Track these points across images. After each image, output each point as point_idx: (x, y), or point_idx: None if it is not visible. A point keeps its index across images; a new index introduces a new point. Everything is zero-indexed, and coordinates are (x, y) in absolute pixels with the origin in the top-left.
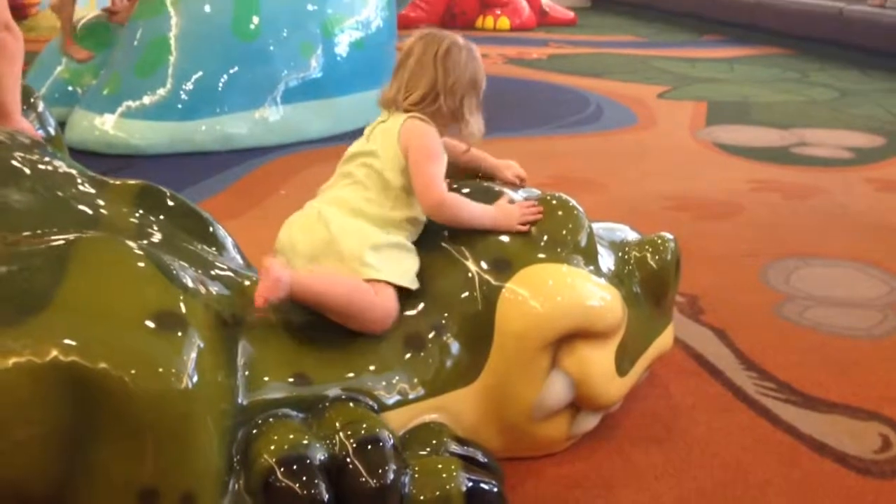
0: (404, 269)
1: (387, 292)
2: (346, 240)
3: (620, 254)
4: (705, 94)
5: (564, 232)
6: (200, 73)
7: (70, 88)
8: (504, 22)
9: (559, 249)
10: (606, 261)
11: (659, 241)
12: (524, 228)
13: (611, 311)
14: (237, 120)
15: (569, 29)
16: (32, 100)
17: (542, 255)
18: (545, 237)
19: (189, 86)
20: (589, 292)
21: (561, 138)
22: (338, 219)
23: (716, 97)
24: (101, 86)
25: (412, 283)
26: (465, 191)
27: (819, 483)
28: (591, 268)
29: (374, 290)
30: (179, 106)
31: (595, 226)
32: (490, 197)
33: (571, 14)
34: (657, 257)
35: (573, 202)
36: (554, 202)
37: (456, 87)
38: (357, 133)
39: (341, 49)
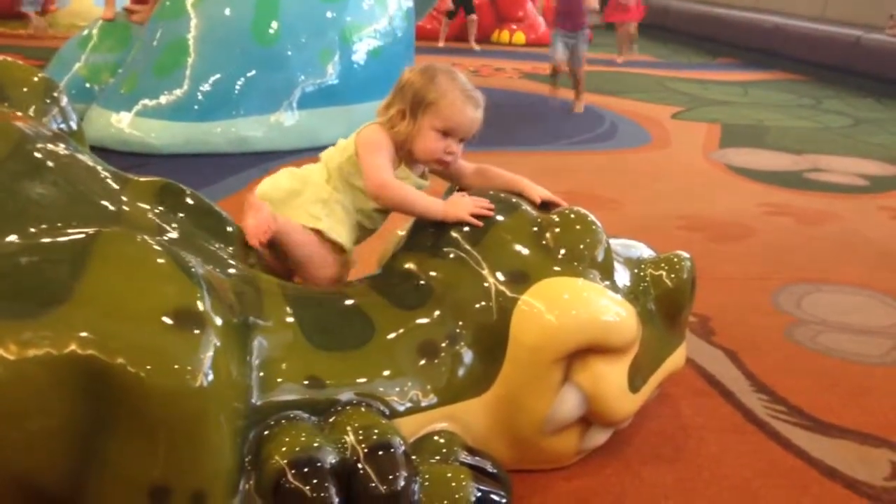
0: (338, 231)
1: (328, 246)
2: (304, 193)
3: (636, 270)
4: (719, 117)
5: (582, 246)
6: (218, 76)
7: (88, 85)
8: (519, 36)
9: (576, 263)
10: (622, 277)
11: (675, 260)
12: (475, 221)
13: (625, 326)
14: (253, 123)
15: None
16: (55, 94)
17: (558, 269)
18: (562, 251)
19: (206, 87)
20: (604, 307)
21: (574, 154)
22: (306, 171)
23: (730, 120)
24: (118, 84)
25: (345, 242)
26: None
27: None
28: (607, 283)
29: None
30: (196, 107)
31: (611, 242)
32: (503, 207)
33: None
34: (673, 275)
35: (591, 217)
36: (572, 216)
37: (406, 92)
38: None
39: (359, 57)
